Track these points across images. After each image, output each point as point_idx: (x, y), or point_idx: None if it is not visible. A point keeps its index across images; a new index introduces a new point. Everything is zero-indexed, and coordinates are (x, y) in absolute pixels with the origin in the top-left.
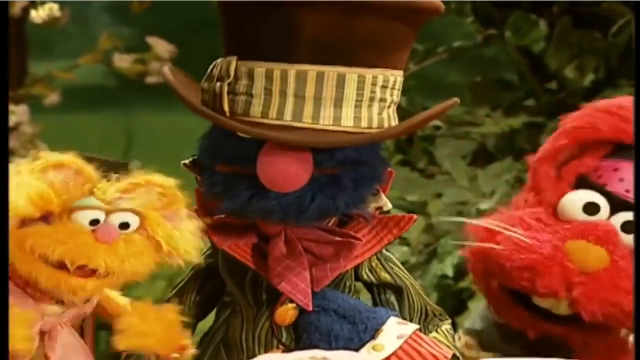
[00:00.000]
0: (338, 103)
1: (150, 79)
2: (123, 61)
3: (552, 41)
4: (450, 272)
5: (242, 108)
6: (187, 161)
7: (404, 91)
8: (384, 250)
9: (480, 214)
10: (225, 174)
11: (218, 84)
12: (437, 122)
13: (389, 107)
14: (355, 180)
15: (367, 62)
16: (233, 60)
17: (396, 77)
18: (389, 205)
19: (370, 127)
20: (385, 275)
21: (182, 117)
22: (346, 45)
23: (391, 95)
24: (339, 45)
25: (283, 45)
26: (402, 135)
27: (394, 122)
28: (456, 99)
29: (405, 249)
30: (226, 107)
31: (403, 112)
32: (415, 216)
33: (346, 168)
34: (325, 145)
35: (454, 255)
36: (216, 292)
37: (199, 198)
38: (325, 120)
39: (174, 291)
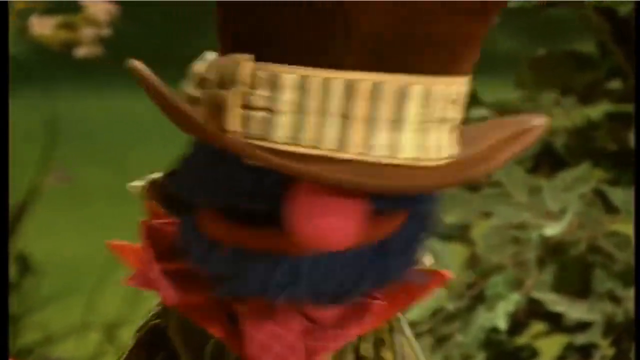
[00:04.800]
0: (396, 126)
1: (81, 51)
2: (43, 26)
3: None
4: (502, 323)
5: (259, 129)
6: (137, 183)
7: None
8: (404, 324)
9: (545, 240)
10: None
11: (223, 92)
12: (483, 112)
13: (455, 127)
14: (415, 236)
15: (437, 68)
16: (246, 62)
17: (467, 87)
18: (428, 262)
19: (439, 159)
20: (386, 356)
21: (124, 102)
22: (411, 45)
23: (460, 112)
24: (401, 45)
25: (326, 42)
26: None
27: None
28: (544, 120)
29: (440, 291)
30: (237, 126)
31: None
32: (449, 274)
33: (407, 217)
34: (399, 189)
35: (508, 301)
36: None
37: (147, 233)
38: (381, 150)
39: None
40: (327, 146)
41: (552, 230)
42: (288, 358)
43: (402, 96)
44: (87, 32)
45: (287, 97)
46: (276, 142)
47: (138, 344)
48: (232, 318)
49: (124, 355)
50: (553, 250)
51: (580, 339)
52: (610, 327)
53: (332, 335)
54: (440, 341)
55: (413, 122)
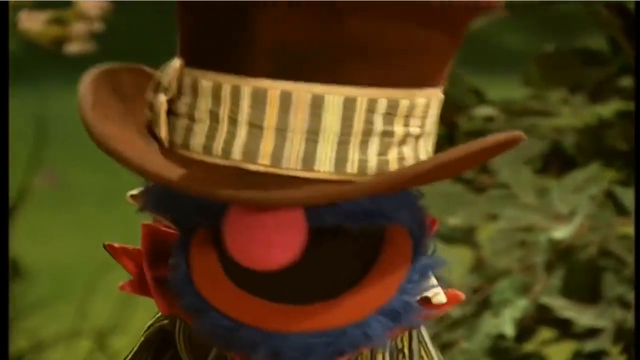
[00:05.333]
0: (312, 137)
1: (72, 47)
2: (32, 22)
3: None
4: (509, 329)
5: (182, 137)
6: (135, 191)
7: None
8: (424, 335)
9: (553, 244)
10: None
11: (160, 97)
12: (489, 111)
13: (402, 143)
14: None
15: (362, 78)
16: (177, 65)
17: (416, 98)
18: (441, 297)
19: (363, 174)
20: None
21: None
22: (328, 53)
23: (406, 125)
24: (316, 53)
25: (236, 49)
26: (406, 186)
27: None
28: (520, 134)
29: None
30: (164, 134)
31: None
32: (462, 296)
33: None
34: (278, 203)
35: (516, 306)
36: None
37: (147, 236)
38: (292, 162)
39: None
40: (236, 157)
41: (561, 233)
42: None
43: (318, 106)
44: (78, 28)
45: (203, 103)
46: (195, 152)
47: (145, 343)
48: None
49: (132, 353)
50: (562, 254)
51: (590, 345)
52: (620, 334)
53: None
54: (445, 348)
55: (330, 133)
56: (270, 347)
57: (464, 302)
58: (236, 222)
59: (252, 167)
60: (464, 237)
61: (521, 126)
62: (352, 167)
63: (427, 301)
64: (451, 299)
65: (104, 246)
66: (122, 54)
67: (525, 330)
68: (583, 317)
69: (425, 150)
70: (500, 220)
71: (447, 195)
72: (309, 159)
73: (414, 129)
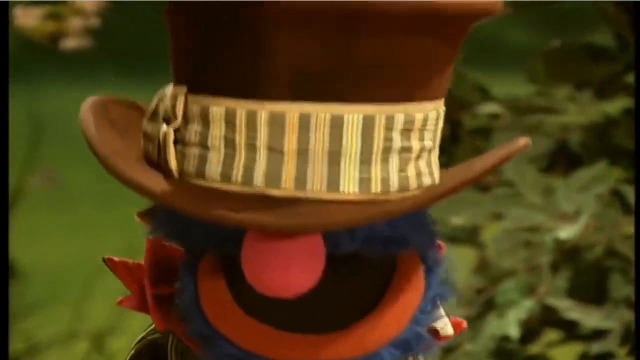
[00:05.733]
0: (335, 158)
1: (68, 43)
2: (28, 17)
3: None
4: (514, 331)
5: (195, 166)
6: (143, 211)
7: None
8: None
9: (559, 244)
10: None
11: (164, 127)
12: (494, 108)
13: (418, 157)
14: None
15: (379, 95)
16: (181, 94)
17: (429, 112)
18: (449, 330)
19: (386, 192)
20: None
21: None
22: (344, 73)
23: (421, 140)
24: (332, 73)
25: (250, 74)
26: (441, 199)
27: (433, 175)
28: (527, 141)
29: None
30: (173, 165)
31: (447, 93)
32: (464, 324)
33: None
34: (306, 228)
35: (521, 307)
36: None
37: (151, 251)
38: (316, 185)
39: None
40: (258, 183)
41: (566, 233)
42: None
43: (337, 126)
44: (75, 23)
45: (216, 131)
46: (213, 180)
47: (136, 357)
48: None
49: None
50: (568, 254)
51: (596, 347)
52: (628, 335)
53: None
54: (448, 351)
55: (352, 153)
56: None
57: (467, 303)
58: (255, 248)
59: (276, 192)
60: (468, 237)
61: (526, 124)
62: (376, 186)
63: (435, 332)
64: (455, 329)
65: (104, 260)
66: (118, 50)
67: (530, 331)
68: (589, 318)
69: (435, 163)
70: (505, 219)
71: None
72: (333, 181)
73: (428, 143)
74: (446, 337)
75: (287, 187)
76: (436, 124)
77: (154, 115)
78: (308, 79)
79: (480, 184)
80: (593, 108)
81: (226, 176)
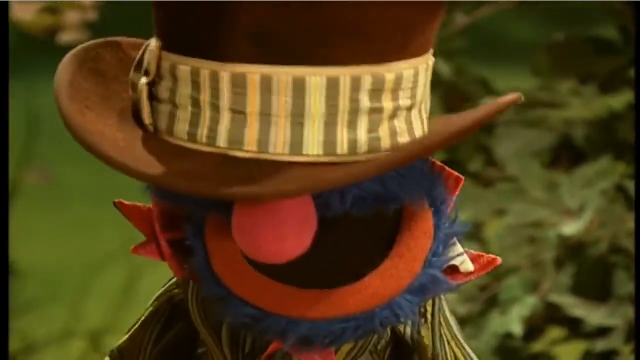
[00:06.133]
0: (298, 120)
1: (65, 37)
2: (24, 11)
3: None
4: (517, 328)
5: (166, 123)
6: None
7: (449, 55)
8: (443, 300)
9: (563, 240)
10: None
11: (142, 80)
12: None
13: (392, 117)
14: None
15: (344, 57)
16: (156, 49)
17: (403, 70)
18: (468, 265)
19: (354, 153)
20: (425, 333)
21: None
22: (307, 35)
23: (395, 100)
24: (295, 35)
25: (213, 34)
26: (412, 158)
27: (414, 133)
28: (519, 95)
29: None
30: (146, 119)
31: (448, 87)
32: (498, 260)
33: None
34: (271, 196)
35: (524, 304)
36: (185, 341)
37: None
38: (279, 147)
39: (126, 336)
40: (221, 144)
41: (570, 228)
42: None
43: (300, 88)
44: (72, 17)
45: (184, 89)
46: (180, 138)
47: (154, 314)
48: None
49: (138, 323)
50: (571, 250)
51: (601, 345)
52: (632, 332)
53: None
54: None
55: (315, 115)
56: (299, 333)
57: (470, 300)
58: (242, 217)
59: (239, 154)
60: (471, 233)
61: (530, 118)
62: (342, 147)
63: (455, 270)
64: (487, 265)
65: (114, 204)
66: None
67: (533, 329)
68: (593, 315)
69: (419, 119)
70: (509, 215)
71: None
72: (296, 143)
73: (404, 101)
74: (470, 275)
75: (250, 149)
76: (414, 81)
77: (138, 65)
78: (269, 41)
79: (482, 179)
80: (597, 102)
81: (192, 135)
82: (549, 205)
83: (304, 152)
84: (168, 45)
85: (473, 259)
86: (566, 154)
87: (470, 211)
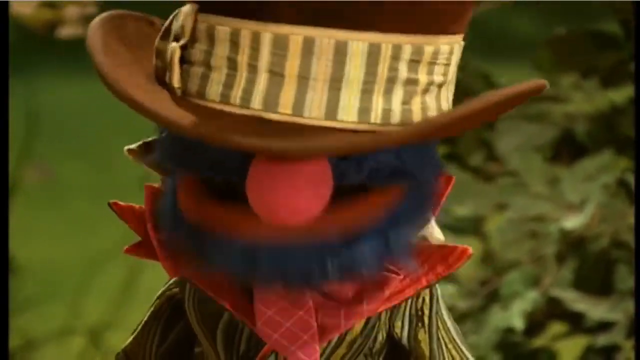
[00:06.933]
0: (335, 85)
1: (64, 31)
2: (23, 5)
3: None
4: (519, 323)
5: (197, 85)
6: (133, 146)
7: None
8: (439, 293)
9: (565, 234)
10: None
11: (173, 44)
12: None
13: (425, 91)
14: (403, 207)
15: (385, 25)
16: (191, 12)
17: (440, 45)
18: (441, 236)
19: (387, 124)
20: (422, 337)
21: None
22: (352, 1)
23: (430, 74)
24: (339, 0)
25: None
26: (436, 136)
27: (442, 111)
28: (544, 82)
29: (451, 288)
30: (176, 83)
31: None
32: (470, 250)
33: (382, 181)
34: (299, 152)
35: (525, 299)
36: (185, 340)
37: (151, 198)
38: (314, 112)
39: (131, 337)
40: (256, 106)
41: (572, 223)
42: (299, 335)
43: (341, 53)
44: (71, 11)
45: (220, 50)
46: (212, 101)
47: (155, 314)
48: (249, 290)
49: (141, 324)
50: (573, 245)
51: (602, 340)
52: (633, 328)
53: (345, 312)
54: None
55: (353, 81)
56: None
57: (471, 295)
58: (260, 175)
59: (273, 116)
60: (472, 227)
61: (531, 112)
62: (375, 116)
63: (427, 245)
64: (463, 252)
65: (109, 204)
66: None
67: (535, 324)
68: (595, 310)
69: (446, 99)
70: (510, 210)
71: (455, 183)
72: (332, 108)
73: (438, 77)
74: (452, 265)
75: (284, 111)
76: (449, 59)
77: (166, 33)
78: (315, 3)
79: (483, 173)
80: (599, 96)
81: (225, 96)
82: (551, 200)
83: (338, 118)
84: (205, 6)
85: (448, 253)
86: (567, 149)
87: (471, 205)
